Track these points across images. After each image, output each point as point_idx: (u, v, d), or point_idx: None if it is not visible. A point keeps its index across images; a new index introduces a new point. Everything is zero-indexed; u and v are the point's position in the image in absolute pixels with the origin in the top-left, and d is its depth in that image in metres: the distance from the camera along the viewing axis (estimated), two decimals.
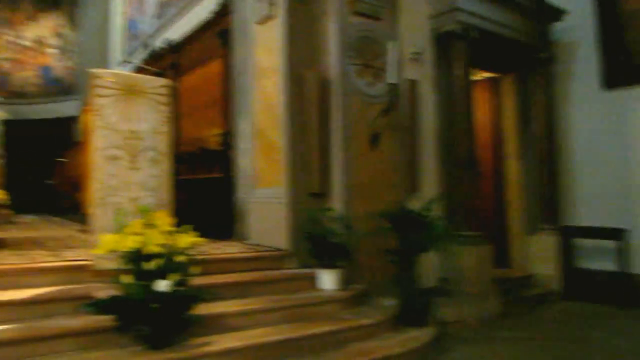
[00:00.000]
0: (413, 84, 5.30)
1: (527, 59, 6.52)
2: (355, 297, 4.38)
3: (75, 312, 3.25)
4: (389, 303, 4.41)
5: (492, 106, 7.00)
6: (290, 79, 4.90)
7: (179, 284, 3.10)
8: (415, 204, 4.80)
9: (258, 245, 5.10)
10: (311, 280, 4.42)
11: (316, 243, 4.37)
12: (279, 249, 4.80)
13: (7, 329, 3.10)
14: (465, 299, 5.02)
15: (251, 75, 5.51)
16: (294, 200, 4.82)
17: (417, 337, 4.06)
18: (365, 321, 4.01)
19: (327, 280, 4.35)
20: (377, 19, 5.21)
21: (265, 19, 5.23)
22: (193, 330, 3.29)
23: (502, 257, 6.40)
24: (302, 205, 4.78)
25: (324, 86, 4.92)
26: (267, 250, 4.83)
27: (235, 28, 6.02)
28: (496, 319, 5.08)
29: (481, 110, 6.83)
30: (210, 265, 4.08)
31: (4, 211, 7.63)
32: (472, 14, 5.53)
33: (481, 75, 6.84)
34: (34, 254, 4.29)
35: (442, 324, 4.57)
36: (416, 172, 5.28)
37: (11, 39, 15.68)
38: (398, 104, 5.15)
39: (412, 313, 4.31)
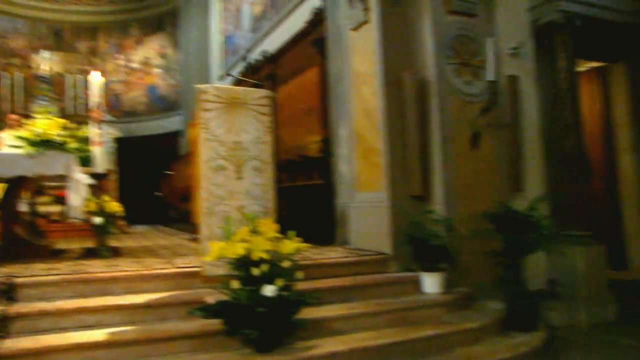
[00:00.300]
0: (513, 80, 5.13)
1: None
2: (459, 301, 4.30)
3: (187, 316, 3.43)
4: (495, 306, 4.29)
5: (599, 97, 6.63)
6: (387, 82, 4.91)
7: (284, 288, 3.20)
8: (519, 204, 4.64)
9: (360, 249, 5.14)
10: (414, 284, 4.38)
11: (418, 246, 4.33)
12: (380, 253, 4.81)
13: (128, 330, 3.36)
14: (577, 302, 4.78)
15: (348, 81, 5.58)
16: (395, 203, 4.81)
17: (526, 341, 3.91)
18: (470, 325, 3.93)
19: (430, 283, 4.31)
20: (472, 15, 5.09)
21: (360, 25, 5.27)
22: (298, 333, 3.37)
23: (617, 258, 6.02)
24: (403, 208, 4.76)
25: (421, 87, 4.88)
26: (368, 255, 4.86)
27: (330, 36, 6.11)
28: (611, 324, 4.78)
29: (587, 102, 6.49)
30: (313, 270, 4.17)
31: (120, 222, 8.19)
32: (574, 1, 5.27)
33: (586, 65, 6.49)
34: (148, 261, 4.58)
35: (552, 328, 4.39)
36: (519, 170, 5.10)
37: (122, 62, 16.86)
38: (498, 102, 5.00)
39: (519, 317, 4.17)
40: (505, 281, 4.30)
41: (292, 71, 8.19)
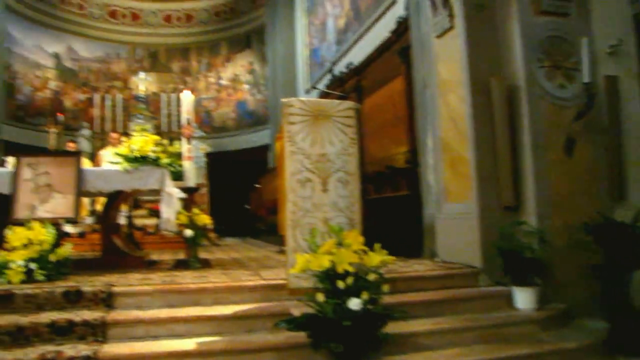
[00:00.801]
0: (612, 80, 4.80)
1: None
2: (554, 318, 4.05)
3: (273, 328, 3.44)
4: (595, 325, 4.00)
5: None
6: (474, 89, 4.75)
7: (370, 302, 3.14)
8: (622, 214, 4.32)
9: (448, 262, 4.98)
10: (505, 299, 4.18)
11: (509, 259, 4.14)
12: (470, 266, 4.63)
13: (217, 341, 3.43)
14: None
15: (434, 89, 5.46)
16: (485, 214, 4.63)
17: None
18: (568, 345, 3.68)
19: (523, 298, 4.09)
20: (564, 15, 4.84)
21: (445, 32, 5.15)
22: (384, 348, 3.29)
23: None
24: (494, 220, 4.56)
25: (510, 93, 4.69)
26: (457, 268, 4.70)
27: (414, 44, 6.02)
28: None
29: None
30: (400, 284, 4.09)
31: (210, 234, 8.46)
32: None
33: None
34: (236, 273, 4.67)
35: None
36: (620, 177, 4.75)
37: (212, 80, 17.54)
38: (595, 105, 4.70)
39: (626, 338, 3.83)
40: (608, 298, 4.00)
41: (378, 82, 8.17)
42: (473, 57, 4.79)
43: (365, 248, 3.26)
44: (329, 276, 3.15)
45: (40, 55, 15.91)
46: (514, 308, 4.13)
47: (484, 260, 4.53)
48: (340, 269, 3.11)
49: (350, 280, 3.09)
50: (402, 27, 6.94)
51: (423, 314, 3.89)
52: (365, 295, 3.10)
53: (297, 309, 3.41)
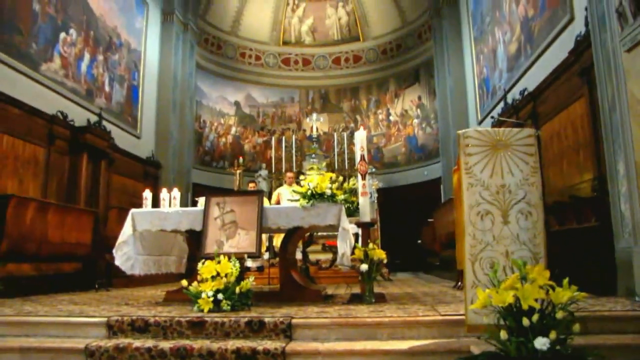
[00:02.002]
0: None
1: None
2: None
3: None
4: None
5: None
6: None
7: (558, 342, 2.86)
8: None
9: None
10: None
11: None
12: None
13: None
14: None
15: (624, 109, 4.94)
16: None
17: None
18: None
19: None
20: None
21: (637, 44, 4.66)
22: None
23: None
24: None
25: None
26: None
27: (597, 63, 5.54)
28: None
29: None
30: (591, 324, 3.70)
31: (384, 269, 8.43)
32: None
33: None
34: (412, 308, 4.55)
35: None
36: None
37: (381, 117, 17.88)
38: None
39: None
40: None
41: (555, 107, 7.71)
42: None
43: (552, 283, 2.99)
44: (512, 312, 2.94)
45: (223, 104, 17.60)
46: None
47: None
48: (525, 305, 2.88)
49: (536, 317, 2.85)
50: (582, 46, 6.47)
51: (622, 359, 3.45)
52: (553, 335, 2.83)
53: (477, 347, 3.23)
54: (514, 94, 9.55)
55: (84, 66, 10.37)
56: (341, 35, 18.46)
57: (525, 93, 8.84)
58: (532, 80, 8.70)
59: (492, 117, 9.80)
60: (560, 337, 2.87)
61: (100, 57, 11.05)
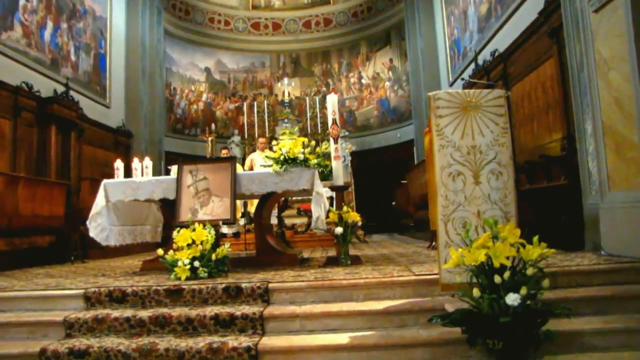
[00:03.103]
0: None
1: None
2: None
3: (425, 324, 3.39)
4: None
5: None
6: None
7: (529, 297, 2.96)
8: None
9: (614, 255, 4.54)
10: None
11: None
12: None
13: (369, 335, 3.45)
14: None
15: (592, 70, 5.01)
16: None
17: None
18: None
19: None
20: None
21: (604, 4, 4.69)
22: (545, 347, 3.07)
23: None
24: None
25: None
26: (627, 262, 4.25)
27: (566, 23, 5.57)
28: None
29: None
30: (560, 278, 3.83)
31: (358, 231, 8.54)
32: None
33: None
34: (387, 269, 4.63)
35: None
36: None
37: (354, 80, 17.80)
38: None
39: None
40: None
41: (525, 67, 7.78)
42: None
43: (523, 241, 3.07)
44: (484, 271, 3.02)
45: (193, 71, 17.27)
46: None
47: None
48: (496, 263, 2.96)
49: (507, 274, 2.94)
50: (552, 6, 6.49)
51: (588, 311, 3.57)
52: (523, 290, 2.92)
53: (451, 305, 3.32)
54: (485, 55, 9.58)
55: (47, 35, 10.05)
56: None
57: (496, 54, 8.88)
58: (502, 41, 8.73)
59: (462, 79, 9.83)
60: (530, 292, 2.96)
61: (64, 25, 10.72)
